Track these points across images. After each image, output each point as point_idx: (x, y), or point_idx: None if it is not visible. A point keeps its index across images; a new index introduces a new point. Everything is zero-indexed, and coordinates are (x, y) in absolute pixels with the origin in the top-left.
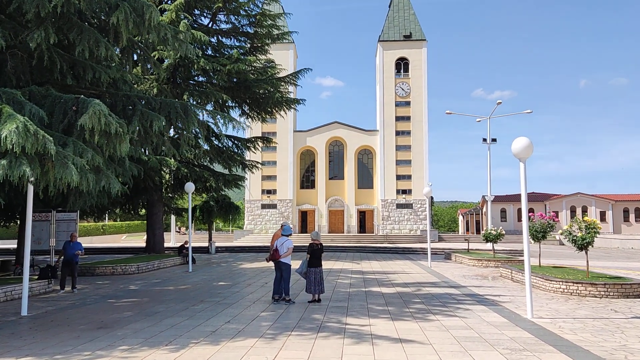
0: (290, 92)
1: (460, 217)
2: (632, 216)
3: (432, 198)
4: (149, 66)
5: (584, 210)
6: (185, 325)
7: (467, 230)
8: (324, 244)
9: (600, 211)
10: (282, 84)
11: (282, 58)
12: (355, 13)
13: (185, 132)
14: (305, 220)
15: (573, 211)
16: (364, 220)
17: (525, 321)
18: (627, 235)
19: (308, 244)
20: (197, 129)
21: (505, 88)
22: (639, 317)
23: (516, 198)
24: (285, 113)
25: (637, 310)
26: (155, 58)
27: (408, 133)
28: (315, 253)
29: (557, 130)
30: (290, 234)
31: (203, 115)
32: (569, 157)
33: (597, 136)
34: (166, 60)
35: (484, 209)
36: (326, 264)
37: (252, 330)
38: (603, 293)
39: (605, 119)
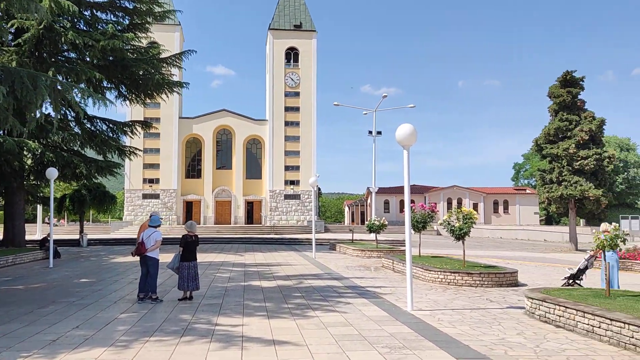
0: (174, 75)
1: (346, 209)
2: (500, 208)
3: (319, 189)
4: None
5: (460, 202)
6: (21, 333)
7: (353, 221)
8: (209, 236)
9: (474, 203)
10: (164, 65)
11: (167, 40)
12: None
13: (34, 108)
14: (190, 211)
15: (450, 203)
16: (252, 211)
17: (405, 314)
18: (497, 226)
19: (181, 236)
20: (66, 110)
21: (392, 85)
22: (514, 306)
23: (399, 190)
24: (168, 97)
25: (511, 300)
26: (14, 27)
27: (297, 124)
28: (189, 246)
29: (437, 127)
30: (159, 225)
31: (71, 93)
32: (447, 153)
33: (473, 133)
34: (28, 32)
35: (369, 201)
36: (208, 257)
37: (103, 337)
38: (478, 282)
39: (479, 117)
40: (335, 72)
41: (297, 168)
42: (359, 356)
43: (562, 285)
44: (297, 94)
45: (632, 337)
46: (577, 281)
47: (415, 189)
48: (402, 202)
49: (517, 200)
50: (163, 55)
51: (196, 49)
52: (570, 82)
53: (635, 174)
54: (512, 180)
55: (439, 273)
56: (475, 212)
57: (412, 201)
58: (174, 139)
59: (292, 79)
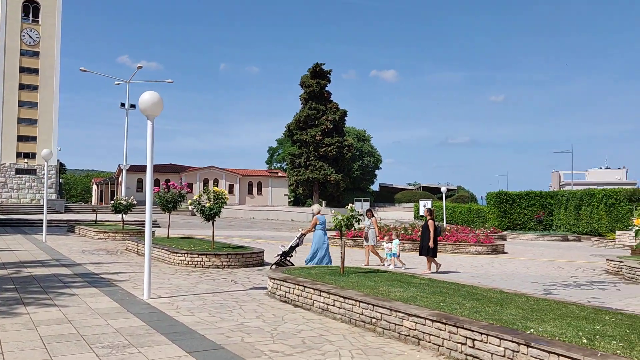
0: None
1: (95, 187)
2: (254, 189)
3: (62, 165)
4: None
5: (216, 183)
6: None
7: (102, 200)
8: None
9: (230, 184)
10: None
11: None
12: None
13: None
14: None
15: (206, 183)
16: None
17: (139, 304)
18: (250, 207)
19: None
20: None
21: (153, 59)
22: (257, 287)
23: (154, 168)
24: None
25: (256, 280)
26: None
27: (35, 88)
28: None
29: (197, 107)
30: None
31: None
32: (206, 134)
33: (231, 116)
34: None
35: (120, 179)
36: None
37: None
38: (226, 263)
39: (238, 101)
40: (89, 38)
41: (33, 139)
42: None
43: (274, 263)
44: (36, 54)
45: (362, 314)
46: (288, 258)
47: (171, 168)
48: (156, 180)
49: (270, 182)
50: None
51: None
52: (319, 74)
53: (369, 162)
54: (267, 163)
55: (186, 255)
56: (226, 192)
57: (168, 180)
58: None
59: (30, 36)
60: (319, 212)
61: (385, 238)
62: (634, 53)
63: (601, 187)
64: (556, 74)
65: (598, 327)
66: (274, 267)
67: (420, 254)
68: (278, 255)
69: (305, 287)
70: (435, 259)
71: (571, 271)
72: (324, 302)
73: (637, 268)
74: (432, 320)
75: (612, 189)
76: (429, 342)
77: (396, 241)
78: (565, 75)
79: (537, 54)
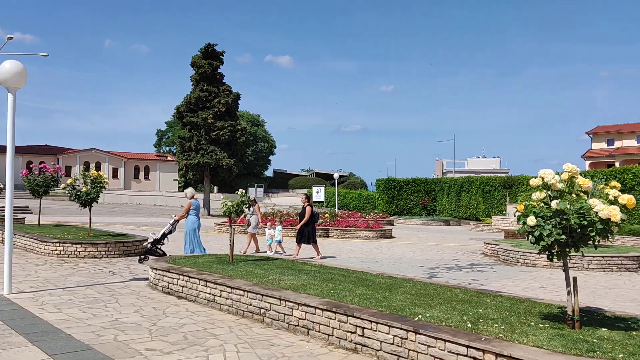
0: None
1: None
2: (141, 173)
3: None
4: None
5: (98, 166)
6: None
7: None
8: None
9: (114, 168)
10: None
11: None
12: None
13: None
14: None
15: (87, 166)
16: None
17: None
18: (136, 192)
19: None
20: None
21: (29, 31)
22: (138, 278)
23: (25, 149)
24: None
25: (137, 271)
26: None
27: None
28: None
29: (78, 86)
30: None
31: None
32: (89, 115)
33: (117, 96)
34: None
35: None
36: None
37: None
38: (104, 253)
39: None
40: None
41: None
42: None
43: (144, 252)
44: None
45: (251, 305)
46: (159, 246)
47: (48, 150)
48: (29, 163)
49: (158, 166)
50: None
51: None
52: (212, 55)
53: (263, 147)
54: (155, 146)
55: (58, 244)
56: (105, 176)
57: (41, 162)
58: None
59: None
60: (192, 197)
61: (268, 224)
62: (505, 52)
63: (479, 175)
64: (442, 68)
65: (481, 311)
66: (143, 257)
67: (299, 242)
68: (149, 242)
69: (190, 277)
70: (312, 244)
71: (453, 254)
72: (210, 293)
73: (511, 250)
74: (322, 310)
75: (489, 177)
76: (319, 331)
77: (279, 227)
78: (450, 69)
79: (426, 48)
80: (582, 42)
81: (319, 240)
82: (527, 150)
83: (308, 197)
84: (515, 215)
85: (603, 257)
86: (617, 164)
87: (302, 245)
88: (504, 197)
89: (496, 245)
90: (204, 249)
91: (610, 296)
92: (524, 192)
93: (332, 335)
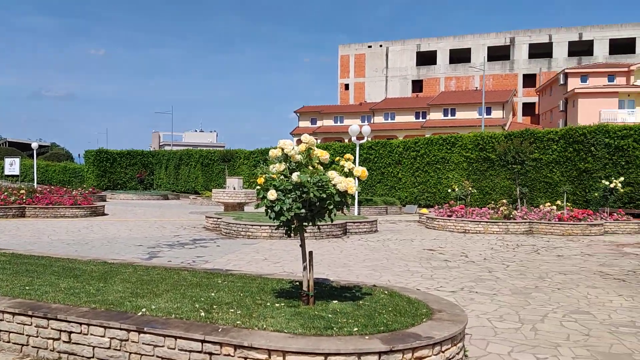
0: None
1: None
2: None
3: None
4: None
5: None
6: None
7: None
8: None
9: None
10: None
11: None
12: None
13: None
14: None
15: None
16: None
17: None
18: None
19: None
20: None
21: None
22: None
23: None
24: None
25: None
26: None
27: None
28: None
29: None
30: None
31: None
32: None
33: None
34: None
35: None
36: None
37: None
38: None
39: None
40: None
41: None
42: None
43: None
44: None
45: None
46: None
47: None
48: None
49: None
50: None
51: None
52: None
53: None
54: None
55: None
56: None
57: None
58: None
59: None
60: None
61: None
62: (219, 28)
63: (197, 148)
64: (157, 37)
65: (213, 295)
66: None
67: None
68: None
69: None
70: None
71: (174, 230)
72: None
73: (232, 223)
74: (13, 314)
75: (208, 150)
76: (9, 342)
77: None
78: (167, 40)
79: (138, 13)
80: (288, 27)
81: (12, 221)
82: (240, 126)
83: None
84: (255, 189)
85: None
86: (319, 141)
87: None
88: (222, 171)
89: (218, 218)
90: None
91: (325, 263)
92: (241, 165)
93: (27, 345)
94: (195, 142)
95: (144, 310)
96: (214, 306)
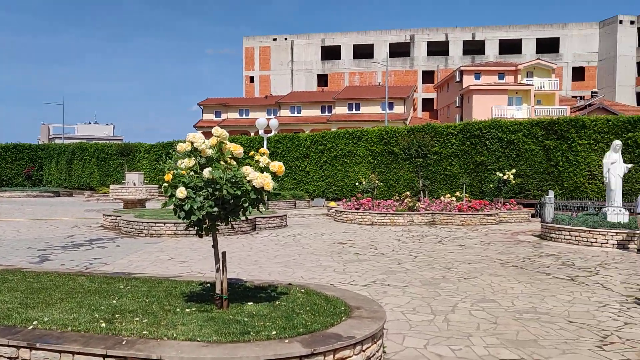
0: None
1: None
2: None
3: None
4: None
5: None
6: None
7: None
8: None
9: None
10: None
11: None
12: None
13: None
14: None
15: None
16: None
17: None
18: None
19: None
20: None
21: None
22: None
23: None
24: None
25: None
26: None
27: None
28: None
29: None
30: None
31: None
32: None
33: None
34: None
35: None
36: None
37: None
38: None
39: None
40: None
41: None
42: None
43: None
44: None
45: None
46: None
47: None
48: None
49: None
50: None
51: None
52: None
53: None
54: None
55: None
56: None
57: None
58: None
59: None
60: None
61: None
62: (117, 17)
63: (92, 142)
64: (49, 23)
65: (115, 302)
66: None
67: None
68: None
69: None
70: None
71: (67, 230)
72: None
73: (134, 221)
74: None
75: (104, 144)
76: None
77: None
78: (58, 26)
79: None
80: (187, 16)
81: None
82: (139, 118)
83: None
84: (162, 186)
85: None
86: None
87: None
88: (121, 165)
89: (117, 216)
90: None
91: (235, 260)
92: (142, 159)
93: None
94: (90, 135)
95: (35, 323)
96: (117, 315)
